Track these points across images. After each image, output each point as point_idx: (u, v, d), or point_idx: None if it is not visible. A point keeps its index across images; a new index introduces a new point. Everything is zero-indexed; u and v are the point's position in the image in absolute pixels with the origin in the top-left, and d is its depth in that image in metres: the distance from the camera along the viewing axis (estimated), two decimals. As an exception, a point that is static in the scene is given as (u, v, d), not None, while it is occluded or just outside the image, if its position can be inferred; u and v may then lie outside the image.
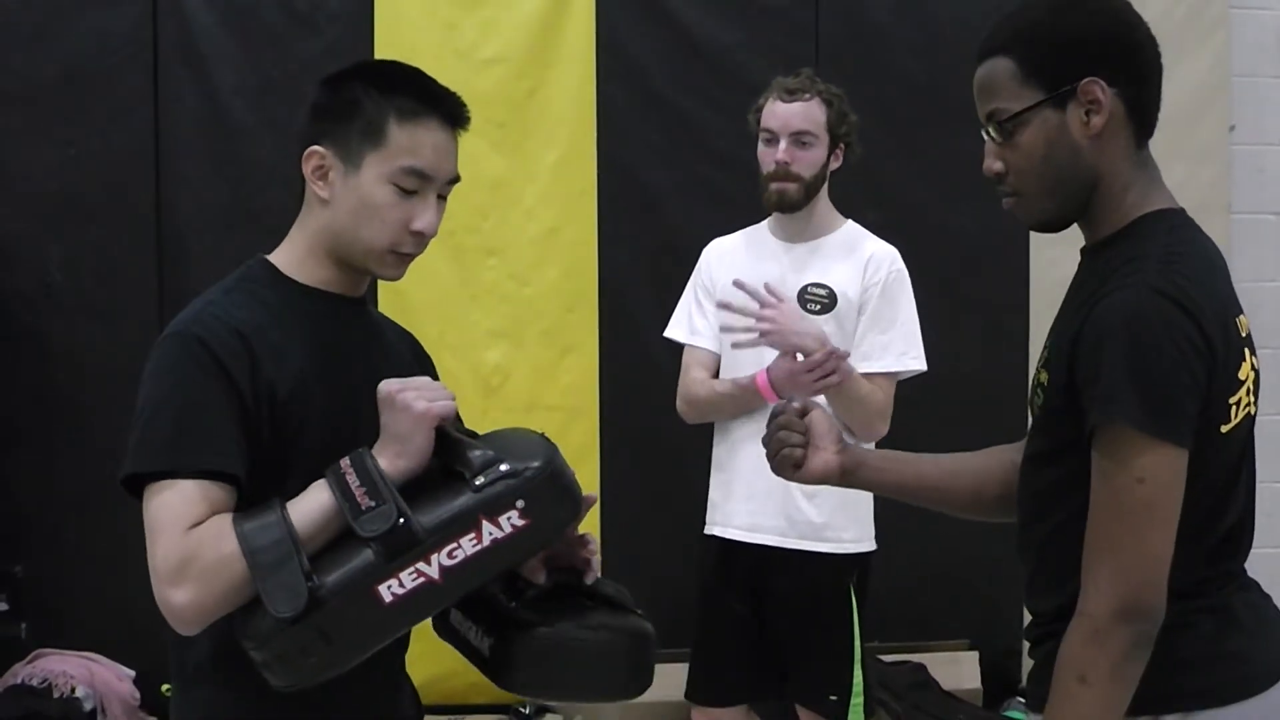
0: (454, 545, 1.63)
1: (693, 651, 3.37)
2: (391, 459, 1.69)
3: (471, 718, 4.12)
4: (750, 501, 3.23)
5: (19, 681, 4.05)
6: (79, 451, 4.27)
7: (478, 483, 1.65)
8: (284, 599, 1.58)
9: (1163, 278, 1.69)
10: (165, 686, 3.96)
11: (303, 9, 4.36)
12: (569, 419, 4.39)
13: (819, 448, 2.07)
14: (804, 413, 2.09)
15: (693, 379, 3.34)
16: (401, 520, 1.62)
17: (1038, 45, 1.79)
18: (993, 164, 1.85)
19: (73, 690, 4.02)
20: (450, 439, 1.72)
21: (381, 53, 4.21)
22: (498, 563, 1.69)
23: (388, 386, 1.72)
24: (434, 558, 1.62)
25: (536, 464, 1.67)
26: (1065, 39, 1.79)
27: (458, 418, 1.78)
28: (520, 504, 1.65)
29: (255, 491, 1.72)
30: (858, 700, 3.20)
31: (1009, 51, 1.81)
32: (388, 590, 1.62)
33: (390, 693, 1.95)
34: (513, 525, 1.65)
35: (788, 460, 2.07)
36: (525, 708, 4.26)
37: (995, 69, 1.82)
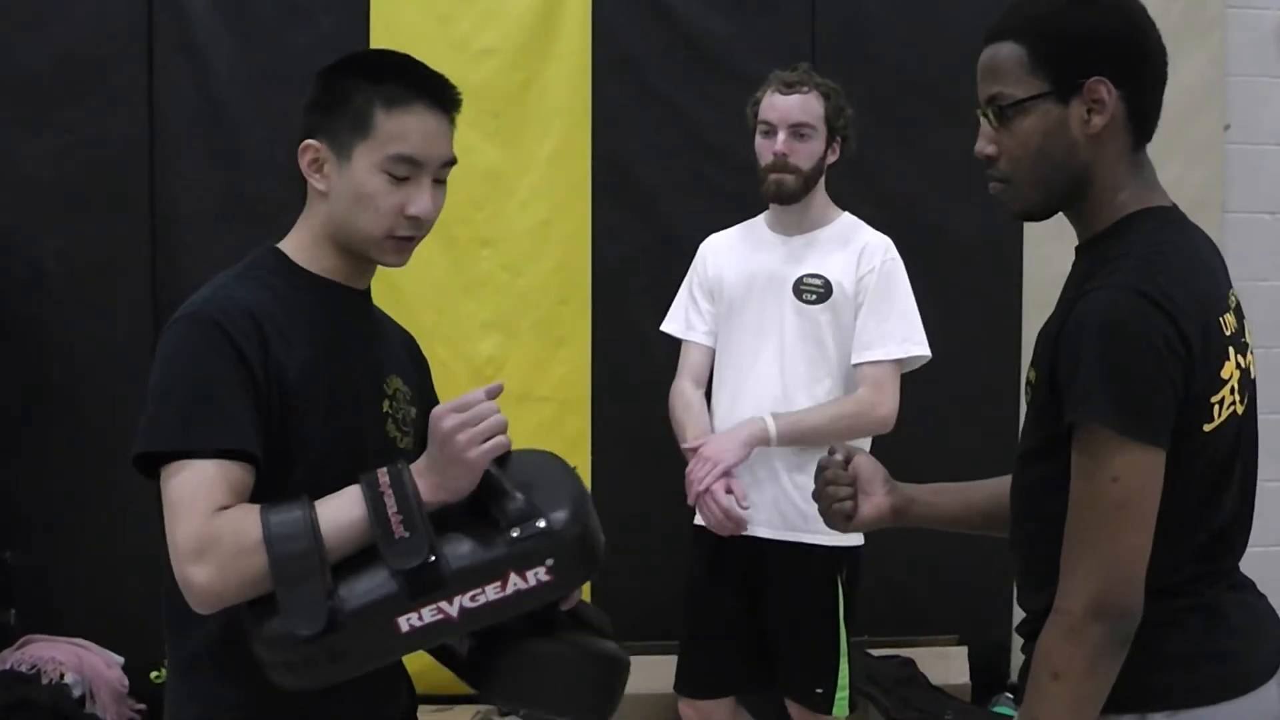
0: (478, 591, 1.65)
1: (682, 643, 3.38)
2: (433, 489, 1.70)
3: (459, 708, 4.12)
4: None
5: (8, 668, 4.05)
6: (71, 440, 4.27)
7: (513, 535, 1.66)
8: (303, 617, 1.59)
9: (1141, 277, 1.68)
10: (154, 673, 3.97)
11: (298, -1, 4.36)
12: (561, 410, 4.39)
13: (868, 493, 2.08)
14: (848, 460, 2.09)
15: (675, 389, 3.42)
16: (432, 559, 1.62)
17: (1050, 36, 1.78)
18: (985, 147, 1.84)
19: (61, 677, 4.02)
20: (487, 475, 1.72)
21: (376, 43, 4.20)
22: (515, 610, 1.70)
23: (442, 425, 1.70)
24: (457, 599, 1.64)
25: (569, 520, 1.69)
26: (1078, 34, 1.77)
27: None
28: (549, 562, 1.67)
29: (260, 479, 1.72)
30: (843, 694, 3.21)
31: (1020, 37, 1.79)
32: (406, 622, 1.63)
33: (388, 687, 1.95)
34: (538, 580, 1.67)
35: (839, 513, 2.08)
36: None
37: (1003, 53, 1.80)
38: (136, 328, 4.18)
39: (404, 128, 1.83)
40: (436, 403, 1.82)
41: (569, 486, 1.77)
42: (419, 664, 1.95)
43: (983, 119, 1.84)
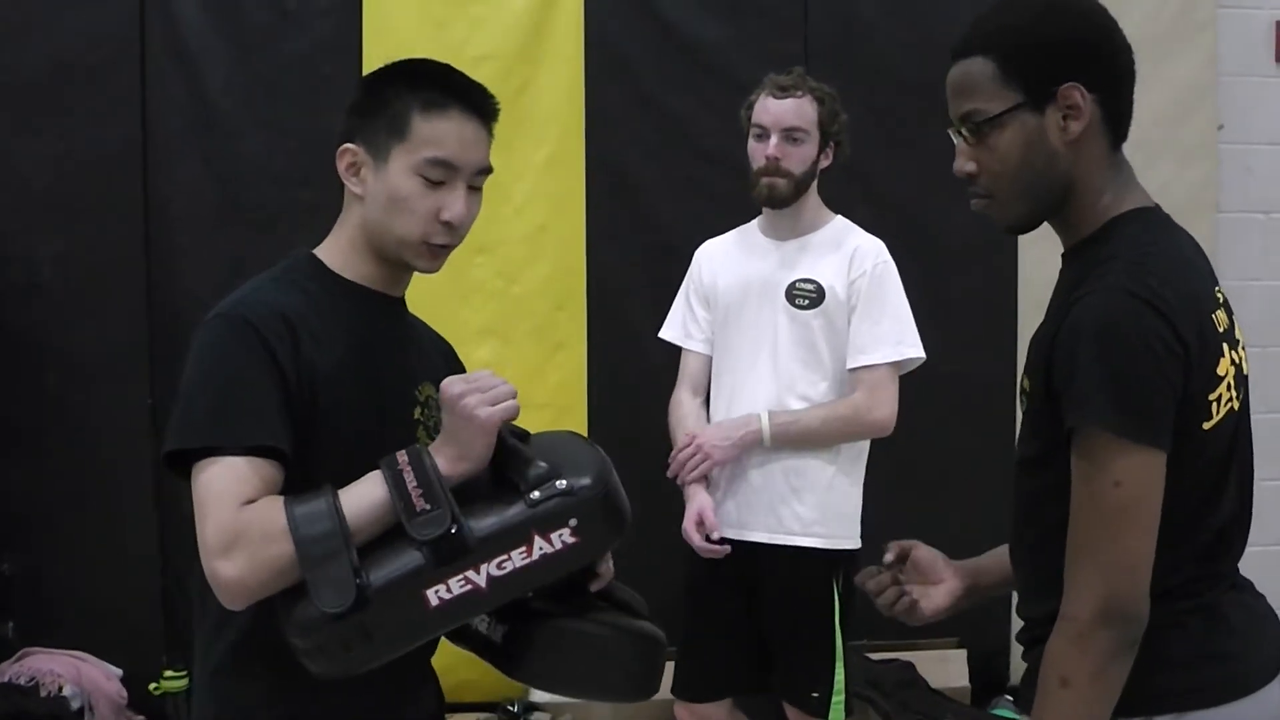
0: (504, 557, 1.65)
1: (679, 647, 3.37)
2: (451, 462, 1.71)
3: (460, 716, 4.11)
4: (739, 499, 3.25)
5: (6, 680, 4.03)
6: (68, 448, 4.26)
7: (533, 497, 1.67)
8: (331, 595, 1.59)
9: (1134, 279, 1.68)
10: (153, 685, 3.96)
11: (291, 6, 4.34)
12: (558, 417, 4.38)
13: (936, 580, 2.06)
14: (903, 557, 2.07)
15: (674, 399, 3.43)
16: (455, 528, 1.62)
17: (1018, 47, 1.78)
18: (965, 165, 1.84)
19: (60, 689, 4.00)
20: (507, 445, 1.73)
21: (370, 50, 4.20)
22: (544, 577, 1.70)
23: (451, 390, 1.72)
24: (484, 567, 1.64)
25: (590, 482, 1.69)
26: (1046, 42, 1.78)
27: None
28: (573, 522, 1.67)
29: (287, 479, 1.73)
30: (839, 698, 3.21)
31: (988, 52, 1.79)
32: (435, 594, 1.63)
33: (415, 690, 1.95)
34: (563, 542, 1.67)
35: (903, 610, 2.05)
36: (513, 705, 4.25)
37: (973, 69, 1.80)
38: (132, 332, 4.17)
39: (440, 132, 1.85)
40: None
41: (591, 456, 1.77)
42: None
43: (956, 137, 1.84)
